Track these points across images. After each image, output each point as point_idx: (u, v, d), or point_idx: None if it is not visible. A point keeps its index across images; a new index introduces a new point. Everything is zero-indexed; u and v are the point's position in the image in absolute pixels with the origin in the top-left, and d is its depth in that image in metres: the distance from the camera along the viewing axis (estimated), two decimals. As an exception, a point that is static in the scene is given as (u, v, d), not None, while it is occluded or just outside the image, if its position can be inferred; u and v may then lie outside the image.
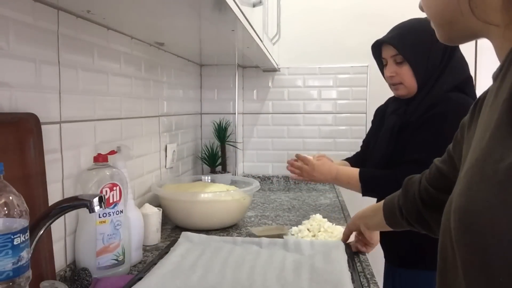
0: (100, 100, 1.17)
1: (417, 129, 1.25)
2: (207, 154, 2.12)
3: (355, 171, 1.37)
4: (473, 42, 2.17)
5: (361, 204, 1.52)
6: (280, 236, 1.28)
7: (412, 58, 1.29)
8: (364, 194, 1.37)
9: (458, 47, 1.28)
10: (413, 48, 1.29)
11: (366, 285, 0.97)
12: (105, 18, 1.11)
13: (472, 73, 2.16)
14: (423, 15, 1.37)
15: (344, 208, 1.74)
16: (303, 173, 1.48)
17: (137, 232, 1.13)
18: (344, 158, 1.78)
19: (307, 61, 2.29)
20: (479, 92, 2.23)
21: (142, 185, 1.49)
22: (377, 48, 1.40)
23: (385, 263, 1.44)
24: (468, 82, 1.28)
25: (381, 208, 1.03)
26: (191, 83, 2.15)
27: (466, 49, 2.18)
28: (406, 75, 1.31)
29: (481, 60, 2.20)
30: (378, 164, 1.39)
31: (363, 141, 1.63)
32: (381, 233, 1.40)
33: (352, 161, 1.66)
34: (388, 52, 1.35)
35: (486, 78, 2.26)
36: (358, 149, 1.67)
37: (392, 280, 1.38)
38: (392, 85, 1.37)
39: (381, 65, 1.42)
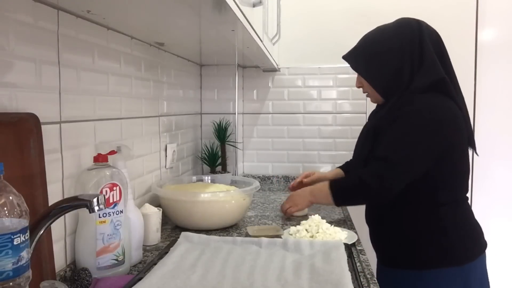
0: (100, 100, 1.17)
1: (385, 130, 1.30)
2: (207, 154, 2.12)
3: (326, 183, 1.41)
4: (473, 42, 2.18)
5: (360, 206, 1.52)
6: (274, 236, 1.27)
7: (364, 71, 1.39)
8: (336, 204, 1.39)
9: (422, 48, 1.30)
10: (365, 63, 1.37)
11: (366, 285, 0.97)
12: (105, 18, 1.11)
13: (472, 73, 2.20)
14: (416, 17, 1.36)
15: (344, 208, 1.74)
16: (291, 208, 1.54)
17: (137, 232, 1.13)
18: (344, 158, 1.79)
19: (307, 61, 2.29)
20: (479, 91, 2.22)
21: (142, 185, 1.49)
22: None
23: (377, 263, 1.45)
24: (442, 83, 1.29)
25: None
26: (191, 83, 2.15)
27: (466, 49, 2.20)
28: (367, 86, 1.40)
29: (481, 60, 2.20)
30: (357, 167, 1.43)
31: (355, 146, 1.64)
32: (372, 234, 1.45)
33: (345, 168, 1.71)
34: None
35: (486, 78, 2.28)
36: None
37: (384, 280, 1.38)
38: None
39: None
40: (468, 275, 1.27)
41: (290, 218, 1.56)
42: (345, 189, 1.37)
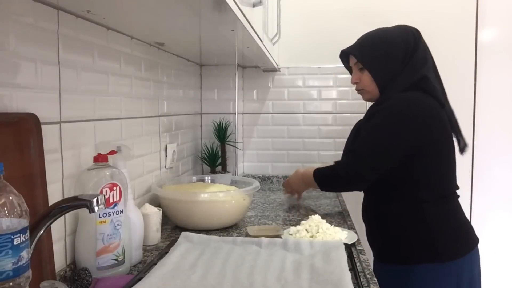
0: (100, 100, 1.17)
1: (363, 126, 1.39)
2: (207, 154, 2.12)
3: (312, 169, 1.54)
4: (473, 42, 2.18)
5: (360, 204, 1.53)
6: (274, 236, 1.27)
7: (370, 64, 1.41)
8: (321, 189, 1.55)
9: (417, 51, 1.37)
10: (371, 56, 1.40)
11: (366, 285, 0.97)
12: (105, 18, 1.11)
13: (472, 73, 2.20)
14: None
15: (344, 208, 1.74)
16: (291, 191, 1.74)
17: (137, 232, 1.13)
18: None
19: (307, 61, 2.29)
20: (479, 91, 2.22)
21: (142, 185, 1.49)
22: (346, 57, 1.53)
23: (374, 260, 1.48)
24: (423, 81, 1.34)
25: None
26: (191, 83, 2.15)
27: (466, 49, 2.20)
28: (367, 80, 1.42)
29: (481, 60, 2.20)
30: None
31: None
32: (367, 231, 1.49)
33: None
34: (352, 60, 1.48)
35: (486, 78, 2.28)
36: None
37: (379, 276, 1.40)
38: (357, 91, 1.49)
39: (351, 72, 1.54)
40: (458, 273, 1.29)
41: (292, 209, 1.69)
42: (323, 176, 1.50)
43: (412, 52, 1.37)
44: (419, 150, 1.30)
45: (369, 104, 1.51)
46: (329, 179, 1.48)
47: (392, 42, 1.38)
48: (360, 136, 1.38)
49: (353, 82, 1.48)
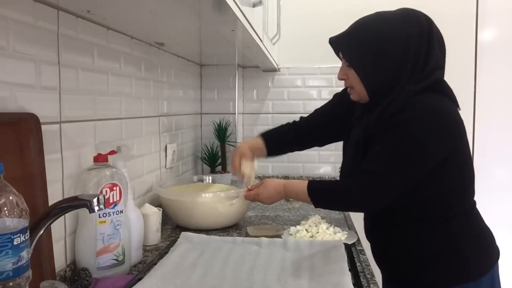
0: (100, 100, 1.17)
1: (378, 137, 1.11)
2: (207, 154, 2.12)
3: (303, 185, 1.23)
4: (473, 42, 2.18)
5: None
6: (274, 236, 1.27)
7: (358, 64, 1.13)
8: (316, 206, 1.22)
9: (430, 45, 1.11)
10: (360, 54, 1.12)
11: (366, 285, 0.97)
12: (105, 18, 1.11)
13: (472, 73, 2.20)
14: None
15: (344, 208, 1.74)
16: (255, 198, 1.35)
17: (137, 232, 1.13)
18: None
19: (307, 61, 2.28)
20: (479, 91, 2.20)
21: (142, 185, 1.49)
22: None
23: (383, 279, 1.30)
24: (438, 83, 1.12)
25: None
26: (191, 83, 2.15)
27: (466, 49, 2.20)
28: (355, 80, 1.15)
29: (481, 60, 2.20)
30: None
31: (315, 110, 1.47)
32: (374, 250, 1.27)
33: (269, 136, 1.44)
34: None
35: (486, 78, 2.26)
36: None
37: None
38: (346, 88, 1.24)
39: None
40: (487, 286, 1.17)
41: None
42: (324, 191, 1.21)
43: (421, 51, 1.10)
44: (448, 160, 1.10)
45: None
46: (332, 194, 1.19)
47: (389, 37, 1.09)
48: (377, 152, 1.11)
49: (339, 78, 1.20)
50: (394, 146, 1.08)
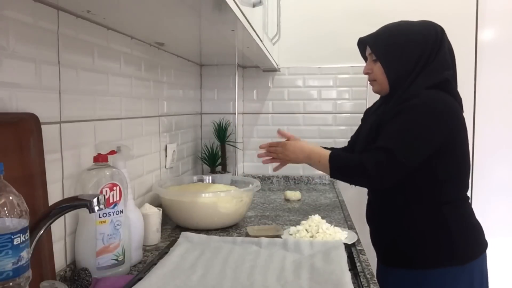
0: (100, 100, 1.17)
1: (390, 120, 1.29)
2: (207, 154, 2.12)
3: (327, 152, 1.38)
4: (473, 42, 2.18)
5: (361, 204, 1.53)
6: (274, 236, 1.27)
7: (383, 56, 1.35)
8: (332, 175, 1.37)
9: (439, 52, 1.32)
10: (386, 48, 1.35)
11: (366, 285, 0.97)
12: (105, 18, 1.11)
13: (472, 72, 2.20)
14: (416, 17, 1.38)
15: (344, 208, 1.74)
16: (278, 155, 1.49)
17: (137, 232, 1.13)
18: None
19: (307, 61, 2.29)
20: (479, 91, 2.22)
21: (142, 185, 1.49)
22: (363, 46, 1.47)
23: (377, 263, 1.45)
24: (446, 83, 1.30)
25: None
26: (191, 83, 2.15)
27: (466, 49, 2.20)
28: (378, 72, 1.37)
29: (481, 59, 2.20)
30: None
31: (351, 137, 1.65)
32: (373, 233, 1.45)
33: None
34: (368, 50, 1.43)
35: (486, 77, 2.27)
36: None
37: (385, 280, 1.39)
38: (369, 82, 1.44)
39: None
40: (471, 274, 1.28)
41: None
42: (344, 166, 1.35)
43: (432, 53, 1.31)
44: (446, 149, 1.26)
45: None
46: (352, 171, 1.33)
47: (410, 38, 1.32)
48: (389, 132, 1.28)
49: (364, 72, 1.43)
50: (402, 127, 1.27)
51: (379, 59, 1.36)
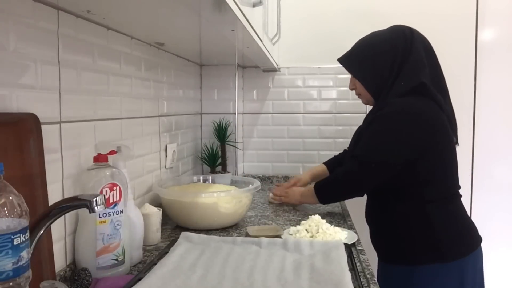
0: (100, 100, 1.17)
1: (364, 130, 1.41)
2: (207, 154, 2.12)
3: (311, 186, 1.57)
4: (473, 42, 2.18)
5: (360, 204, 1.53)
6: (274, 236, 1.27)
7: (359, 73, 1.45)
8: (323, 203, 1.58)
9: (411, 54, 1.36)
10: (359, 65, 1.44)
11: (366, 285, 0.97)
12: (105, 18, 1.11)
13: (472, 73, 2.20)
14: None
15: (344, 208, 1.74)
16: (282, 200, 1.76)
17: (137, 232, 1.13)
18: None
19: (307, 61, 2.29)
20: (479, 91, 2.23)
21: (142, 185, 1.49)
22: None
23: (378, 261, 1.48)
24: (422, 86, 1.33)
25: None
26: (191, 83, 2.15)
27: (466, 49, 2.20)
28: (360, 87, 1.47)
29: (481, 60, 2.20)
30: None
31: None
32: (371, 233, 1.49)
33: (330, 163, 1.83)
34: None
35: (486, 78, 2.28)
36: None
37: (384, 277, 1.42)
38: (357, 96, 1.53)
39: None
40: (461, 271, 1.30)
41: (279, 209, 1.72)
42: (324, 186, 1.52)
43: (404, 57, 1.36)
44: (422, 152, 1.30)
45: (369, 107, 1.51)
46: (328, 186, 1.50)
47: (378, 49, 1.39)
48: (362, 142, 1.38)
49: (350, 88, 1.53)
50: (373, 134, 1.36)
51: (355, 76, 1.46)
